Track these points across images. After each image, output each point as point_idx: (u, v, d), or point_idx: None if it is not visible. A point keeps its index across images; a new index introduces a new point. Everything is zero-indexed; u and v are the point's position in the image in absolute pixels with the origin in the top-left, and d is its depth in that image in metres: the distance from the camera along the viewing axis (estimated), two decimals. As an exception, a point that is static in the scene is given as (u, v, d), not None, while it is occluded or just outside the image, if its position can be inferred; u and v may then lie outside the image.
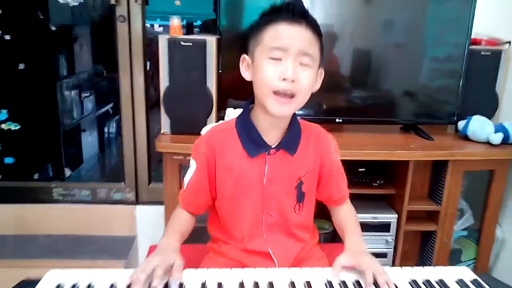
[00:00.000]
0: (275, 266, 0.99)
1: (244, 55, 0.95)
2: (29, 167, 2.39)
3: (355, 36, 1.78)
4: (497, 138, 1.66)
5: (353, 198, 1.71)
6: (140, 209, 2.18)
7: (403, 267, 0.90)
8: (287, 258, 1.01)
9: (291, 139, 0.98)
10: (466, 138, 1.76)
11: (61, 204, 2.22)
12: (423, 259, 1.85)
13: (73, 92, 3.10)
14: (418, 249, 1.88)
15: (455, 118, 1.80)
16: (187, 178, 1.03)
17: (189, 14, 3.43)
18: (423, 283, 0.84)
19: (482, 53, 1.78)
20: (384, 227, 1.72)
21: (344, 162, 1.63)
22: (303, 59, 0.88)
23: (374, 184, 1.75)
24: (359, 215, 1.69)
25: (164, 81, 1.66)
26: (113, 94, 3.36)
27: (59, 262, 1.97)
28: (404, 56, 1.81)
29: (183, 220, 1.02)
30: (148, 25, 2.94)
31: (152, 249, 1.16)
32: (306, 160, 1.00)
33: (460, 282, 0.84)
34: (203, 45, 1.64)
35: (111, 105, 3.72)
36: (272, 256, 1.00)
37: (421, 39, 1.80)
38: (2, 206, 2.15)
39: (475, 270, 1.43)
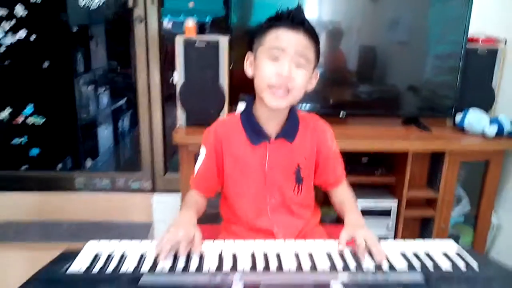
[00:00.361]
0: None
1: (249, 53, 1.08)
2: (52, 158, 2.53)
3: (361, 33, 1.88)
4: (492, 130, 1.77)
5: (356, 186, 1.83)
6: (156, 197, 2.31)
7: (395, 240, 1.02)
8: (290, 235, 1.13)
9: (289, 128, 1.11)
10: (463, 130, 1.87)
11: (82, 192, 2.37)
12: (422, 244, 1.97)
13: (89, 87, 3.23)
14: (417, 234, 2.00)
15: (453, 112, 1.91)
16: (197, 164, 1.17)
17: (199, 11, 3.53)
18: (412, 254, 0.95)
19: (479, 51, 1.88)
20: (385, 213, 1.84)
21: (348, 153, 1.76)
22: (299, 59, 1.01)
23: (376, 173, 1.87)
24: (362, 202, 1.84)
25: (180, 78, 1.79)
26: (127, 90, 3.50)
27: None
28: (405, 52, 1.91)
29: (197, 200, 1.15)
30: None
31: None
32: (304, 147, 1.13)
33: (445, 254, 0.96)
34: (216, 45, 1.76)
35: (124, 100, 3.85)
36: (276, 233, 1.13)
37: (422, 37, 1.90)
38: (28, 194, 2.30)
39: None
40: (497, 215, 1.96)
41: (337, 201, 1.19)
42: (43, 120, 2.39)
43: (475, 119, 1.82)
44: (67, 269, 0.86)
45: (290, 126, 1.11)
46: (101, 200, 2.34)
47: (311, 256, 0.94)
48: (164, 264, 0.88)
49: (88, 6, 2.19)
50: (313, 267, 0.89)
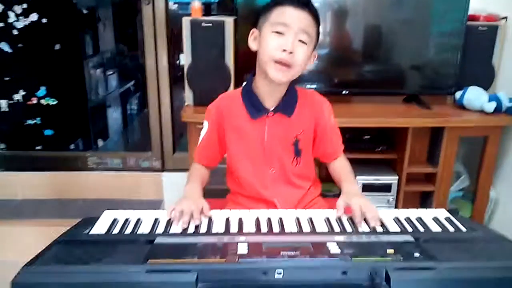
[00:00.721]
0: None
1: (254, 29, 1.14)
2: (65, 138, 2.62)
3: (365, 12, 1.92)
4: (490, 106, 1.82)
5: (358, 162, 1.91)
6: (166, 176, 2.40)
7: (390, 209, 1.09)
8: (290, 204, 1.21)
9: (287, 103, 1.17)
10: (462, 107, 1.92)
11: (94, 172, 2.46)
12: (422, 218, 2.04)
13: (98, 70, 3.29)
14: (418, 208, 2.06)
15: (453, 89, 1.96)
16: (200, 138, 1.25)
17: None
18: (404, 219, 1.03)
19: (480, 28, 1.91)
20: (385, 188, 1.90)
21: (351, 130, 1.83)
22: (302, 36, 1.06)
23: (377, 149, 1.93)
24: (364, 178, 1.91)
25: (187, 59, 1.85)
26: (135, 72, 3.56)
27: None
28: (408, 31, 1.95)
29: (200, 172, 1.25)
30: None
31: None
32: (302, 120, 1.19)
33: (435, 219, 1.03)
34: (221, 25, 1.81)
35: (133, 82, 3.92)
36: (277, 203, 1.21)
37: (425, 15, 1.93)
38: (43, 174, 2.40)
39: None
40: (495, 190, 2.02)
41: (335, 173, 1.26)
42: (55, 102, 2.47)
43: (474, 96, 1.86)
44: (89, 232, 0.94)
45: (288, 100, 1.17)
46: (112, 179, 2.43)
47: (310, 220, 1.02)
48: (176, 229, 0.97)
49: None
50: (313, 231, 0.97)
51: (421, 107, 1.95)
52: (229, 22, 1.81)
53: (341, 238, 0.90)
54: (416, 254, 0.81)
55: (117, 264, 0.77)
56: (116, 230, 0.96)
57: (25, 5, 2.29)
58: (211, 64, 1.85)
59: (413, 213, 1.07)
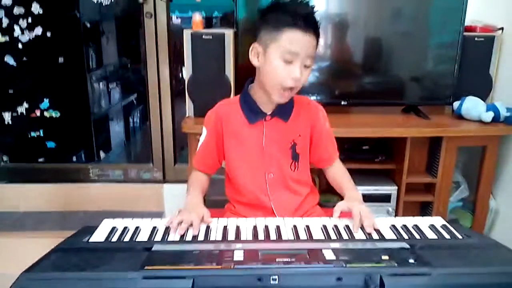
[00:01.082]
0: None
1: (255, 44, 1.13)
2: (67, 151, 2.64)
3: (365, 25, 1.95)
4: (488, 116, 1.83)
5: (357, 172, 1.91)
6: (167, 187, 2.41)
7: (387, 217, 1.10)
8: (287, 211, 1.22)
9: (283, 108, 1.19)
10: (461, 117, 1.93)
11: (96, 183, 2.48)
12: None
13: (101, 83, 3.33)
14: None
15: (451, 100, 1.97)
16: (199, 144, 1.27)
17: (208, 6, 3.61)
18: (400, 227, 1.04)
19: (476, 39, 1.94)
20: (385, 198, 1.91)
21: (349, 140, 1.84)
22: (307, 61, 1.09)
23: (376, 160, 1.94)
24: (363, 188, 1.91)
25: (188, 71, 1.88)
26: (138, 85, 3.59)
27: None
28: (405, 43, 1.97)
29: (200, 180, 1.27)
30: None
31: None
32: (298, 125, 1.22)
33: (432, 226, 1.04)
34: (222, 37, 1.84)
35: (135, 95, 3.95)
36: (274, 210, 1.22)
37: (422, 27, 1.96)
38: (44, 186, 2.41)
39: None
40: (495, 200, 2.02)
41: (333, 178, 1.28)
42: (58, 114, 2.50)
43: (472, 106, 1.88)
44: (87, 240, 0.96)
45: (285, 106, 1.19)
46: (114, 191, 2.44)
47: (307, 228, 1.03)
48: (174, 236, 0.98)
49: (101, 2, 2.28)
50: (309, 238, 0.98)
51: (420, 117, 1.96)
52: (229, 34, 1.84)
53: (336, 245, 0.91)
54: (411, 260, 0.82)
55: (114, 271, 0.78)
56: (114, 238, 0.97)
57: (30, 20, 2.33)
58: (211, 76, 1.87)
59: (410, 220, 1.07)
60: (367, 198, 1.87)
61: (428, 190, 1.94)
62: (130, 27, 3.22)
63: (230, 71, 1.87)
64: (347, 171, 1.29)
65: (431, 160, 1.94)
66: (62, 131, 2.55)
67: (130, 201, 2.42)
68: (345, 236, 0.99)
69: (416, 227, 1.04)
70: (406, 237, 0.98)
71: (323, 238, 0.98)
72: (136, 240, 0.96)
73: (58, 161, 2.55)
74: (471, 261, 0.84)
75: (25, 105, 2.47)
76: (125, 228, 1.03)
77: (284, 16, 1.06)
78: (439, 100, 2.02)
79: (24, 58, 2.40)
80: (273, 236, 0.99)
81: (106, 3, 2.30)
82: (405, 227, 1.03)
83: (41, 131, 2.53)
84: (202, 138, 1.27)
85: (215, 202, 1.46)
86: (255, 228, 1.03)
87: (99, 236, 0.98)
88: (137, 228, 1.03)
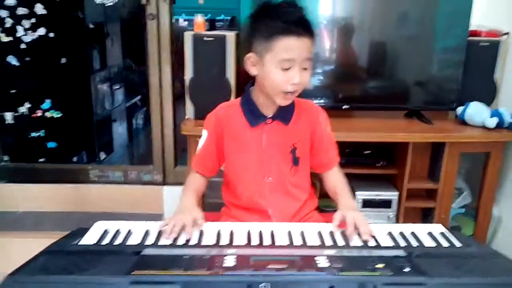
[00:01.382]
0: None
1: (250, 54, 1.11)
2: (69, 151, 2.64)
3: (370, 29, 1.93)
4: (492, 122, 1.80)
5: (358, 177, 1.89)
6: (167, 190, 2.39)
7: (384, 224, 1.08)
8: (285, 216, 1.20)
9: (284, 111, 1.18)
10: (464, 123, 1.90)
11: (96, 184, 2.47)
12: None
13: (105, 84, 3.33)
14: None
15: (454, 105, 1.94)
16: (199, 146, 1.25)
17: (214, 9, 3.62)
18: (398, 234, 1.01)
19: (481, 44, 1.91)
20: (386, 204, 1.88)
21: (351, 145, 1.82)
22: (305, 63, 1.07)
23: (377, 165, 1.91)
24: (364, 193, 1.89)
25: (188, 73, 1.87)
26: (142, 87, 3.59)
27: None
28: (409, 47, 1.95)
29: (197, 182, 1.25)
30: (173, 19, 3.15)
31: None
32: (299, 129, 1.20)
33: (430, 234, 1.02)
34: (223, 40, 1.83)
35: (139, 97, 3.96)
36: (271, 214, 1.20)
37: (426, 31, 1.94)
38: (44, 186, 2.40)
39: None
40: (498, 207, 1.99)
41: (330, 185, 1.25)
42: (60, 115, 2.50)
43: (476, 111, 1.85)
44: (78, 242, 0.94)
45: (286, 109, 1.17)
46: (114, 192, 2.43)
47: (302, 234, 1.01)
48: (166, 240, 0.96)
49: (103, 3, 2.28)
50: (303, 244, 0.96)
51: (422, 122, 1.94)
52: (230, 36, 1.83)
53: (331, 252, 0.89)
54: (406, 269, 0.79)
55: (101, 275, 0.76)
56: (105, 241, 0.96)
57: (33, 20, 2.33)
58: (212, 78, 1.86)
59: (407, 227, 1.05)
60: (368, 203, 1.88)
61: (430, 196, 1.91)
62: (135, 29, 3.23)
63: (231, 74, 1.86)
64: (344, 178, 1.26)
65: (433, 165, 1.91)
66: (63, 131, 2.55)
67: (129, 203, 2.41)
68: (340, 243, 0.97)
69: (414, 234, 1.01)
70: (403, 244, 0.95)
71: (318, 244, 0.96)
72: (127, 243, 0.94)
73: (59, 161, 2.54)
74: (468, 270, 0.82)
75: (27, 105, 2.47)
76: (117, 231, 1.01)
77: (275, 24, 1.04)
78: (442, 105, 1.99)
79: (27, 59, 2.40)
80: (267, 241, 0.97)
81: (108, 4, 2.30)
82: (402, 234, 1.01)
83: (43, 131, 2.53)
84: (202, 140, 1.25)
85: (213, 205, 1.45)
86: (249, 233, 1.01)
87: (90, 238, 0.97)
88: (129, 231, 1.01)
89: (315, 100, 1.91)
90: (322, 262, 0.81)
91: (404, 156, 1.82)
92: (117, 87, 3.57)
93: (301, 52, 1.05)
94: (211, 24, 2.31)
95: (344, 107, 1.95)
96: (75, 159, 2.69)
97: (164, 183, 2.46)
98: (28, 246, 2.09)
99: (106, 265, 0.81)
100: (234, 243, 0.96)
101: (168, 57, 2.29)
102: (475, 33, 1.95)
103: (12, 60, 2.39)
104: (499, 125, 1.81)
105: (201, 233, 1.01)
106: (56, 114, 2.49)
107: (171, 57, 2.30)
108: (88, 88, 2.86)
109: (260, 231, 1.01)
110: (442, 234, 1.02)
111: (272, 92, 1.11)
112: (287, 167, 1.21)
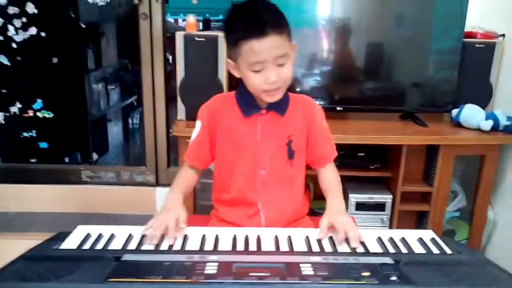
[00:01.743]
0: (264, 224, 1.18)
1: (228, 60, 1.11)
2: (61, 151, 2.61)
3: (367, 30, 1.91)
4: (487, 124, 1.78)
5: (352, 180, 1.87)
6: (159, 191, 2.38)
7: (373, 229, 1.05)
8: (275, 211, 1.18)
9: (280, 102, 1.13)
10: (459, 125, 1.88)
11: (88, 185, 2.45)
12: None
13: (99, 84, 3.30)
14: (413, 228, 2.01)
15: (450, 107, 1.92)
16: (192, 137, 1.23)
17: (210, 9, 3.59)
18: (387, 240, 0.99)
19: (477, 45, 1.89)
20: (379, 207, 1.86)
21: (345, 147, 1.79)
22: (279, 60, 1.04)
23: (371, 167, 1.89)
24: (357, 196, 1.87)
25: (180, 73, 1.84)
26: (137, 87, 3.56)
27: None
28: (405, 49, 1.93)
29: (187, 176, 1.23)
30: (172, 20, 3.13)
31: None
32: (294, 122, 1.17)
33: (420, 240, 0.99)
34: (215, 40, 1.81)
35: (135, 97, 3.92)
36: (260, 208, 1.18)
37: (422, 33, 1.92)
38: (36, 186, 2.39)
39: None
40: (493, 211, 1.96)
41: (323, 181, 1.22)
42: (51, 115, 2.47)
43: (471, 114, 1.83)
44: (58, 247, 0.92)
45: (281, 100, 1.14)
46: (106, 193, 2.41)
47: (289, 239, 0.98)
48: (149, 246, 0.93)
49: (96, 3, 2.26)
50: (290, 250, 0.93)
51: (417, 125, 1.91)
52: (222, 37, 1.80)
53: (317, 258, 0.86)
54: (393, 278, 0.77)
55: (76, 282, 0.73)
56: (86, 246, 0.93)
57: (24, 19, 2.31)
58: (204, 79, 1.84)
59: (397, 233, 1.02)
60: (361, 206, 1.86)
61: (424, 199, 1.89)
62: (130, 29, 3.20)
63: (223, 74, 1.84)
64: (338, 176, 1.23)
65: (428, 168, 1.88)
66: (55, 132, 2.52)
67: (122, 203, 2.39)
68: (327, 249, 0.94)
69: (404, 240, 0.99)
70: (392, 251, 0.93)
71: (305, 250, 0.93)
72: (108, 248, 0.92)
73: (51, 162, 2.51)
74: (457, 279, 0.79)
75: (18, 105, 2.44)
76: (99, 235, 0.98)
77: (237, 29, 1.02)
78: (438, 107, 1.97)
79: (18, 58, 2.37)
80: (253, 246, 0.94)
81: (101, 4, 2.27)
82: (392, 240, 0.98)
83: (34, 132, 2.50)
84: (195, 132, 1.22)
85: (204, 207, 1.42)
86: (235, 238, 0.98)
87: (70, 243, 0.94)
88: (111, 235, 0.98)
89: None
90: (307, 270, 0.79)
91: (399, 159, 1.79)
92: (112, 87, 3.54)
93: (268, 52, 1.01)
94: (206, 24, 2.28)
95: (338, 108, 1.93)
96: (67, 159, 2.66)
97: (157, 184, 2.44)
98: (20, 246, 2.08)
99: (84, 272, 0.78)
100: (219, 249, 0.93)
101: (160, 57, 2.27)
102: (470, 35, 1.93)
103: (3, 59, 2.36)
104: (494, 128, 1.79)
105: (185, 238, 0.98)
106: (48, 114, 2.46)
107: (164, 57, 2.27)
108: (81, 88, 2.82)
109: (246, 236, 0.99)
110: (433, 240, 0.99)
111: (255, 92, 1.10)
112: (282, 160, 1.18)
